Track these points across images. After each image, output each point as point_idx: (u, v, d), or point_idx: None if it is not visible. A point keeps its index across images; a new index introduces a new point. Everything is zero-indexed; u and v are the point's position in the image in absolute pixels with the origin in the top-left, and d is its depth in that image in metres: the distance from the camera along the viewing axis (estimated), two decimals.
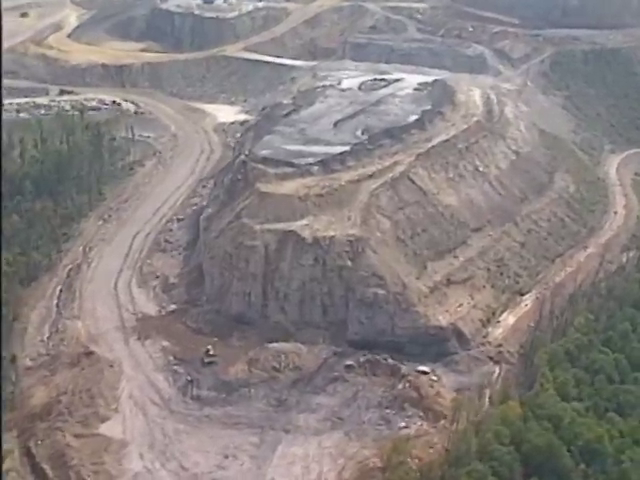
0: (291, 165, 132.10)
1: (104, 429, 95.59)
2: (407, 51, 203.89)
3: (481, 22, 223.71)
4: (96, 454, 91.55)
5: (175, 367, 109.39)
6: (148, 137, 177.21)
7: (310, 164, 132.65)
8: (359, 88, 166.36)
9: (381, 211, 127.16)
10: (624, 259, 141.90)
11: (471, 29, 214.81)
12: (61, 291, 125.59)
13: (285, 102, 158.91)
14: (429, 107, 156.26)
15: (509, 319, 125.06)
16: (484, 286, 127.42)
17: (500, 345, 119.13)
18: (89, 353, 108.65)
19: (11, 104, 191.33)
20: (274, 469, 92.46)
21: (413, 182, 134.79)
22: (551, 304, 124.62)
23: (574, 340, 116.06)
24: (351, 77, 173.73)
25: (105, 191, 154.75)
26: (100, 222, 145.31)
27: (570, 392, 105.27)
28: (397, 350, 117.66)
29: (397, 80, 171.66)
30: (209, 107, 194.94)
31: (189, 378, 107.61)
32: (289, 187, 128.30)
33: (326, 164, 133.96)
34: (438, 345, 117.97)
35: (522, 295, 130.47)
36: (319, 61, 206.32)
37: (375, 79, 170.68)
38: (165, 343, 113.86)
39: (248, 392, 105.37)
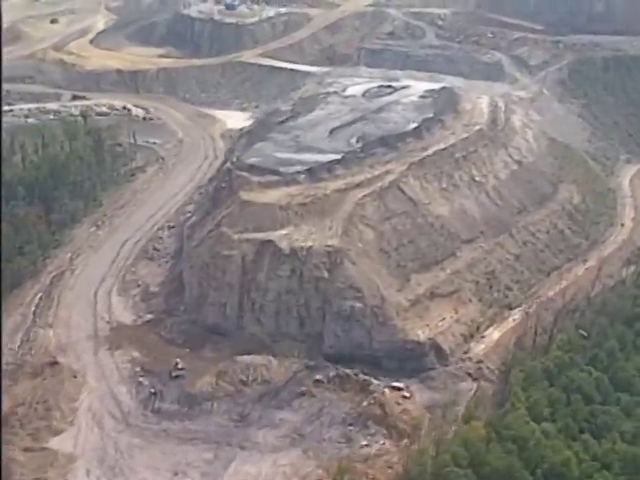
0: (276, 173, 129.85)
1: (55, 443, 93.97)
2: (423, 57, 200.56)
3: (503, 28, 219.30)
4: (41, 469, 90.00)
5: (141, 379, 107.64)
6: (154, 143, 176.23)
7: (297, 172, 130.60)
8: (363, 95, 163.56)
9: (365, 221, 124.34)
10: (624, 274, 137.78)
11: (490, 35, 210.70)
12: (40, 298, 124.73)
13: (283, 109, 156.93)
14: (431, 115, 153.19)
15: (494, 334, 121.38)
16: (470, 300, 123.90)
17: (480, 361, 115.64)
18: (53, 363, 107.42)
19: (21, 109, 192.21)
20: None
21: (403, 192, 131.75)
22: (537, 319, 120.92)
23: (554, 358, 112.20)
24: (358, 84, 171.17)
25: (102, 197, 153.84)
26: (93, 229, 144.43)
27: (542, 412, 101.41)
28: (374, 365, 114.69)
29: (404, 87, 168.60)
30: (220, 113, 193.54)
31: (152, 390, 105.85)
32: (272, 196, 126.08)
33: (313, 173, 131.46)
34: (415, 360, 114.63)
35: (511, 309, 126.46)
36: (334, 67, 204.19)
37: (381, 86, 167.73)
38: (135, 354, 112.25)
39: (211, 406, 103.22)
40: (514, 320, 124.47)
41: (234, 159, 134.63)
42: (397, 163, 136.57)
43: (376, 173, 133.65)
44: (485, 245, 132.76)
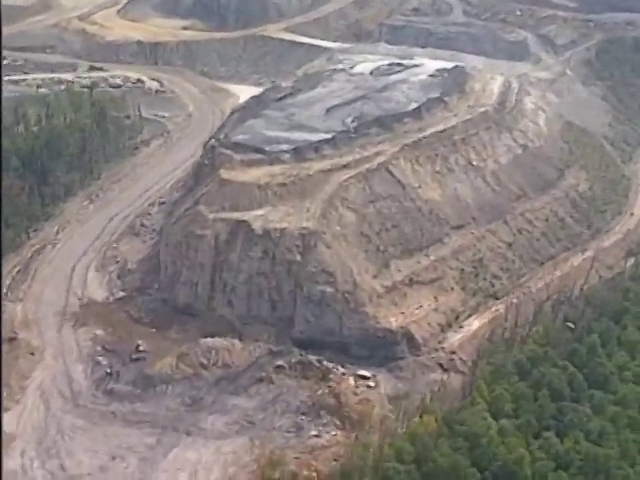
0: (261, 152, 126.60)
1: None
2: (445, 35, 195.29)
3: (534, 6, 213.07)
4: None
5: (99, 358, 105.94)
6: (162, 117, 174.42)
7: (282, 151, 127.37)
8: (370, 73, 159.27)
9: (347, 204, 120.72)
10: (628, 265, 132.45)
11: (518, 13, 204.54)
12: (18, 272, 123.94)
13: (284, 85, 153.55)
14: (435, 95, 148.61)
15: (473, 324, 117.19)
16: (452, 288, 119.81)
17: (453, 352, 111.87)
18: (12, 339, 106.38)
19: (35, 79, 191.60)
20: (159, 474, 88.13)
21: (392, 174, 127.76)
22: (521, 310, 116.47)
23: (529, 351, 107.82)
24: (369, 61, 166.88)
25: (102, 170, 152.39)
26: (86, 202, 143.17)
27: (504, 408, 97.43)
28: (344, 352, 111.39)
29: (415, 65, 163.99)
30: (235, 88, 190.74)
31: (108, 370, 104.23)
32: (252, 175, 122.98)
33: (299, 152, 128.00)
34: (386, 349, 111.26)
35: (497, 299, 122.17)
36: (356, 44, 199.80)
37: (391, 64, 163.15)
38: (99, 332, 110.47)
39: (165, 389, 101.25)
40: (497, 310, 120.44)
41: (221, 136, 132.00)
42: (389, 144, 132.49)
43: (365, 154, 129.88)
44: (476, 232, 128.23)
